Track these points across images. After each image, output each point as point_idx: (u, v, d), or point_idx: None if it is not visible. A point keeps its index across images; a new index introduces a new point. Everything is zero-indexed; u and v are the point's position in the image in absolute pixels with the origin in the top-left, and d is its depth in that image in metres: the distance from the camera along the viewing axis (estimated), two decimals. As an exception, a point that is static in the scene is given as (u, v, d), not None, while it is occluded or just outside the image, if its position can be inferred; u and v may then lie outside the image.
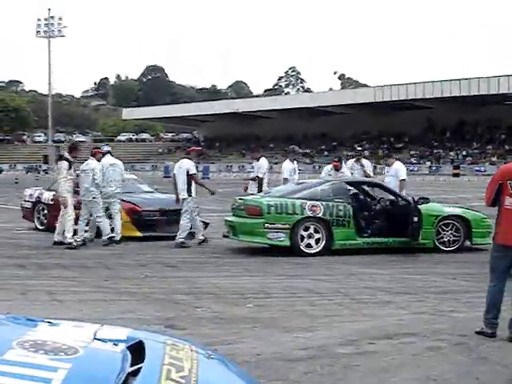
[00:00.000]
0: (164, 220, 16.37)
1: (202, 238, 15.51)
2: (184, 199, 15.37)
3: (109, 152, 16.61)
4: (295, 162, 17.63)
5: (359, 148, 23.00)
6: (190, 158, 16.06)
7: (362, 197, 15.49)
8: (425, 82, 76.12)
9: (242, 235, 14.32)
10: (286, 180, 16.73)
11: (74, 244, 14.66)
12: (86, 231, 15.35)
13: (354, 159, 17.90)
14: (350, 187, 15.11)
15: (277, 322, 8.05)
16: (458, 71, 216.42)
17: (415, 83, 76.73)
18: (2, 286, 10.15)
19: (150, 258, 13.37)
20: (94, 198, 15.21)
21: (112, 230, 15.42)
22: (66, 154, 15.40)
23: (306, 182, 15.73)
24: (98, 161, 15.74)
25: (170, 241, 15.36)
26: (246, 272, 11.96)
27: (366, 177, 16.90)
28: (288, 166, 17.06)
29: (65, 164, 15.08)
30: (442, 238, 14.50)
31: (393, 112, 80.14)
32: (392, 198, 15.03)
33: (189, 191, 15.36)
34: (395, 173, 16.25)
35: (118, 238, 15.35)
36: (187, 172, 15.48)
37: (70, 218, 14.82)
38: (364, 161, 17.93)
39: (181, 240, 15.13)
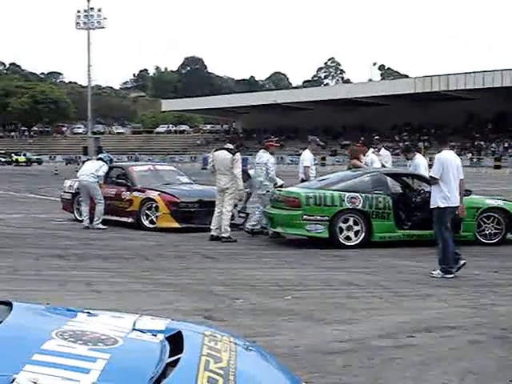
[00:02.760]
0: (202, 211, 16.36)
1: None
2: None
3: (101, 159, 17.63)
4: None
5: (377, 137, 21.94)
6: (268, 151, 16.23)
7: (401, 188, 15.34)
8: (466, 73, 75.39)
9: (280, 227, 14.30)
10: (307, 168, 16.29)
11: (233, 238, 14.74)
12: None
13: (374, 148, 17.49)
14: (389, 179, 14.98)
15: (315, 314, 8.01)
16: (498, 62, 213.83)
17: (456, 74, 76.06)
18: (41, 277, 10.24)
19: (188, 250, 13.40)
20: (267, 191, 15.35)
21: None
22: (230, 146, 15.29)
23: (345, 173, 15.55)
24: (272, 154, 15.94)
25: (208, 232, 15.38)
26: (284, 264, 11.92)
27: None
28: (309, 155, 16.68)
29: (240, 157, 15.06)
30: (484, 230, 14.33)
31: (433, 103, 79.49)
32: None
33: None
34: (414, 169, 15.43)
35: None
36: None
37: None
38: (383, 151, 17.46)
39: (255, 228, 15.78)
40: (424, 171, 15.35)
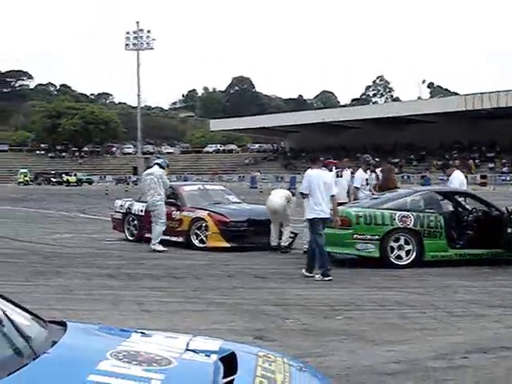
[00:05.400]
0: (252, 231, 16.38)
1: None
2: None
3: (157, 164, 17.17)
4: (369, 172, 16.75)
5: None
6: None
7: (453, 207, 15.19)
8: (516, 90, 74.50)
9: (330, 246, 14.20)
10: (357, 189, 16.18)
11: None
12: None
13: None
14: (441, 197, 14.84)
15: (367, 334, 7.93)
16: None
17: (506, 91, 75.16)
18: (93, 296, 10.30)
19: (238, 269, 13.38)
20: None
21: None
22: None
23: (397, 192, 15.34)
24: (330, 171, 15.65)
25: (257, 251, 15.37)
26: (334, 284, 11.84)
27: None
28: (360, 176, 16.52)
29: None
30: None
31: (484, 120, 78.65)
32: (485, 208, 14.68)
33: None
34: (450, 183, 15.76)
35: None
36: None
37: None
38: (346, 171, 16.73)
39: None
40: (458, 186, 15.37)
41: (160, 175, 16.62)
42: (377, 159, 18.72)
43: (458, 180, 15.64)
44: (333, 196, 12.77)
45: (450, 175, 15.98)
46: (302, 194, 12.85)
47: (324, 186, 12.59)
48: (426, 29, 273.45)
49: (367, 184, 16.31)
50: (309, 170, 12.96)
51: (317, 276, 12.17)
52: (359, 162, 17.43)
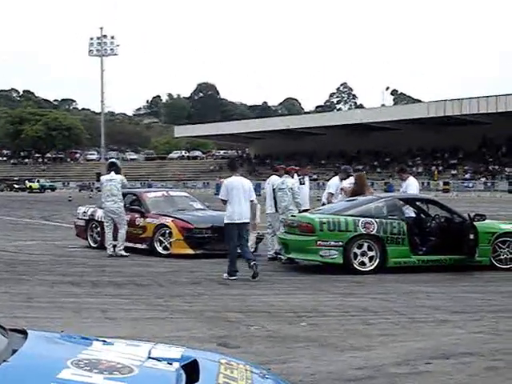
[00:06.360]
0: (216, 237, 16.34)
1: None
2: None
3: (113, 170, 17.09)
4: (349, 180, 16.96)
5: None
6: (278, 175, 16.34)
7: (416, 213, 15.28)
8: (479, 97, 75.41)
9: (294, 252, 14.24)
10: (331, 195, 16.41)
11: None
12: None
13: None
14: (404, 204, 14.94)
15: (331, 341, 7.94)
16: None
17: (469, 98, 76.07)
18: (55, 304, 10.21)
19: (202, 276, 13.35)
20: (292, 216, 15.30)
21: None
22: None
23: (360, 198, 15.39)
24: (292, 177, 16.13)
25: (221, 258, 15.34)
26: (298, 290, 11.86)
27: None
28: (336, 183, 16.69)
29: None
30: (499, 255, 14.22)
31: (447, 128, 79.50)
32: (447, 214, 14.80)
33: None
34: (405, 189, 16.01)
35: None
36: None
37: None
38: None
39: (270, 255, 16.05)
40: (415, 192, 15.64)
41: (121, 181, 16.63)
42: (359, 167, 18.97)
43: (415, 186, 15.91)
44: (252, 201, 13.44)
45: (405, 180, 16.29)
46: (221, 200, 13.39)
47: (243, 192, 13.16)
48: (389, 37, 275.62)
49: (341, 192, 16.43)
50: (229, 178, 13.47)
51: (224, 275, 12.93)
52: (336, 169, 17.64)
